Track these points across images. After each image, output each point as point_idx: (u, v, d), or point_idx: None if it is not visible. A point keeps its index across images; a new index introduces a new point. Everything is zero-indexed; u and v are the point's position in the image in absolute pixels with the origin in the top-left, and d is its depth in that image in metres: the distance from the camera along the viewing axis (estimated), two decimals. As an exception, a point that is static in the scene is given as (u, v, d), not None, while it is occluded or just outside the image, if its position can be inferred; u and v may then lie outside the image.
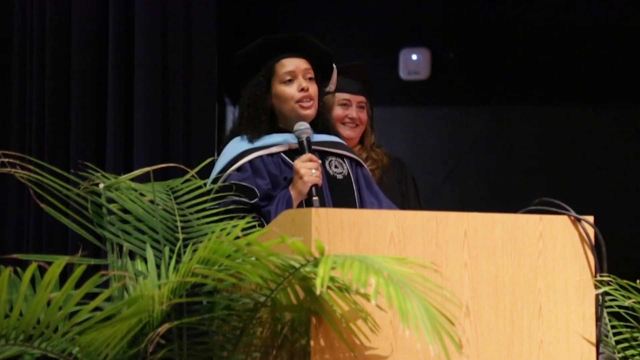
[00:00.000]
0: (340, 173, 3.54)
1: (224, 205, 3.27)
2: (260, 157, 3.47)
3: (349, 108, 4.10)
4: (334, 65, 3.62)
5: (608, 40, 6.22)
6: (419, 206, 4.17)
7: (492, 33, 6.46)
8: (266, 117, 3.51)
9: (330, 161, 3.54)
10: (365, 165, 3.66)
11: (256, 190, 3.41)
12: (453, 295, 2.60)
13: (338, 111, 4.09)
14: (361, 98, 4.15)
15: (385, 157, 4.21)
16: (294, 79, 3.49)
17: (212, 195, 3.24)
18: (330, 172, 3.52)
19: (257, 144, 3.49)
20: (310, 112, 3.49)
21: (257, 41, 3.55)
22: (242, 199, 3.36)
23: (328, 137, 3.59)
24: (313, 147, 3.47)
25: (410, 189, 4.23)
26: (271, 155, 3.49)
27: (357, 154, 3.69)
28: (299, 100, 3.48)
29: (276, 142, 3.50)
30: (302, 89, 3.47)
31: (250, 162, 3.46)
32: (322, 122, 3.59)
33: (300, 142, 3.42)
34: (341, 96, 4.10)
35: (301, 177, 3.34)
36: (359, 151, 4.06)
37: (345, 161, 3.59)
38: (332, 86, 3.65)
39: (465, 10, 6.43)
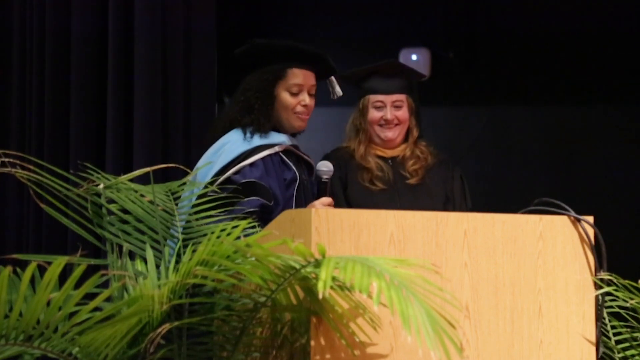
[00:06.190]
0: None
1: (248, 205, 3.29)
2: (270, 155, 3.49)
3: (384, 109, 3.91)
4: (333, 77, 3.71)
5: (608, 41, 6.21)
6: (465, 208, 3.95)
7: (492, 33, 6.46)
8: (271, 113, 3.53)
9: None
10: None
11: (271, 191, 3.43)
12: (454, 298, 2.60)
13: (373, 114, 3.92)
14: (396, 97, 3.93)
15: (431, 155, 3.98)
16: (299, 92, 3.52)
17: (217, 192, 3.24)
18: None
19: (264, 140, 3.50)
20: (304, 125, 3.57)
21: (281, 42, 3.55)
22: (264, 201, 3.36)
23: (295, 140, 3.63)
24: (299, 153, 3.56)
25: (457, 191, 3.98)
26: (272, 154, 3.50)
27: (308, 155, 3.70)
28: (297, 112, 3.52)
29: (278, 141, 3.50)
30: (304, 105, 3.53)
31: (262, 159, 3.47)
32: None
33: (323, 183, 3.42)
34: (374, 98, 3.92)
35: None
36: (403, 149, 3.95)
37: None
38: (333, 95, 3.73)
39: (465, 11, 6.43)
